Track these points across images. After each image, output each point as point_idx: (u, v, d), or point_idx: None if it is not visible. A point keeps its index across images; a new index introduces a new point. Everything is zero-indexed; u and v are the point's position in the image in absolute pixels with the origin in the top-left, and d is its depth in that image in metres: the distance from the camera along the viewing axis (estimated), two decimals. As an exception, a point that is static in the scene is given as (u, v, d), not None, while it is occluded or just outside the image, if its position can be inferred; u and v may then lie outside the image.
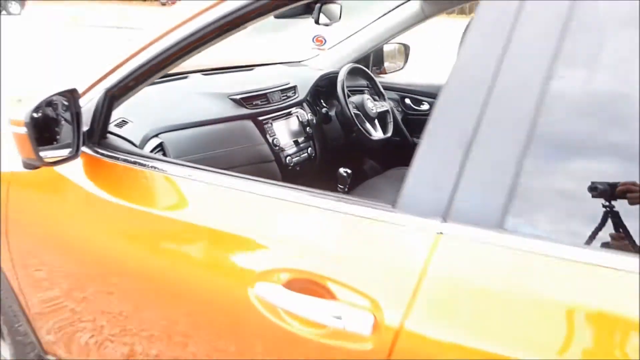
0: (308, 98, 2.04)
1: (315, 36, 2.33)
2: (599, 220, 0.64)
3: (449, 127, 0.73)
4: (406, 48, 2.44)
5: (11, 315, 1.44)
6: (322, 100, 2.09)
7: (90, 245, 1.11)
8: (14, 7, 20.79)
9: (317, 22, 1.62)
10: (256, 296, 0.82)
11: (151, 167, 1.05)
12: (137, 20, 14.73)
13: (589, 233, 0.65)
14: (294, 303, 0.79)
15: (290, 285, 0.80)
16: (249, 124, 1.74)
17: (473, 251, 0.69)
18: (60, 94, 1.02)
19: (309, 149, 1.99)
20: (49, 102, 1.00)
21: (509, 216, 0.68)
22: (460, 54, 0.74)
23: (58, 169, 1.13)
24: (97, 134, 1.12)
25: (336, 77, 1.97)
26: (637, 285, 0.59)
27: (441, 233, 0.71)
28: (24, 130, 0.95)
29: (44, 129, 1.00)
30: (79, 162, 1.11)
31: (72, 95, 1.04)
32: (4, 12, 20.46)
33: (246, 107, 1.75)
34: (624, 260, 0.61)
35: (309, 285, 0.78)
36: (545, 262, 0.65)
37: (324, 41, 2.29)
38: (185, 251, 0.98)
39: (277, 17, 1.64)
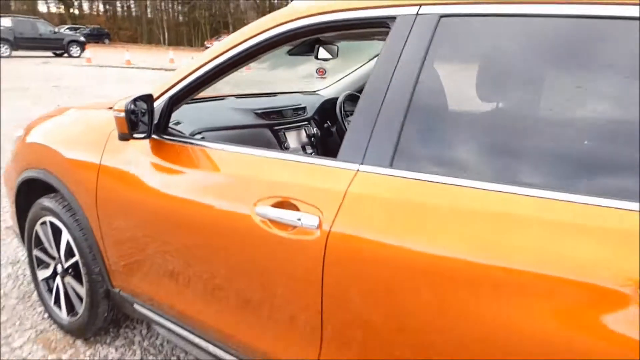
0: (315, 116, 2.63)
1: (318, 68, 2.95)
2: (440, 159, 1.17)
3: (365, 112, 1.28)
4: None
5: (90, 259, 2.03)
6: (325, 119, 2.67)
7: (152, 199, 1.68)
8: (74, 50, 22.73)
9: (316, 57, 2.20)
10: (256, 213, 1.37)
11: (195, 144, 1.63)
12: (181, 63, 16.11)
13: (435, 167, 1.18)
14: (276, 214, 1.33)
15: (275, 205, 1.34)
16: (267, 131, 2.33)
17: (374, 180, 1.23)
18: (142, 97, 1.63)
19: (313, 154, 2.56)
20: (135, 101, 1.61)
21: (395, 160, 1.21)
22: (374, 68, 1.30)
23: (133, 153, 1.73)
24: (162, 126, 1.72)
25: (336, 101, 2.56)
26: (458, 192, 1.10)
27: (358, 170, 1.25)
28: (122, 115, 1.55)
29: (133, 116, 1.60)
30: (147, 144, 1.71)
31: (148, 99, 1.65)
32: (65, 54, 22.41)
33: (265, 119, 2.35)
34: (456, 180, 1.11)
35: (285, 204, 1.33)
36: (415, 184, 1.16)
37: (324, 72, 2.89)
38: (215, 192, 1.53)
39: (290, 54, 2.25)
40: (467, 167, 1.18)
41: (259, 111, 2.36)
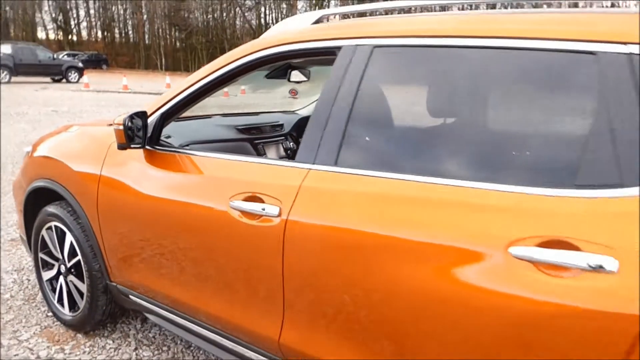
0: (292, 132, 2.95)
1: (290, 90, 3.29)
2: (371, 159, 1.48)
3: (316, 123, 1.59)
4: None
5: (91, 258, 2.31)
6: (301, 134, 2.98)
7: (145, 200, 1.98)
8: (72, 75, 23.20)
9: (288, 80, 2.53)
10: (230, 206, 1.67)
11: (182, 153, 1.94)
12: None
13: (367, 164, 1.49)
14: (246, 207, 1.63)
15: (245, 199, 1.64)
16: (247, 144, 2.64)
17: (323, 176, 1.53)
18: (137, 113, 1.94)
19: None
20: (132, 116, 1.91)
21: (339, 160, 1.52)
22: (323, 88, 1.61)
23: (129, 162, 2.04)
24: (155, 138, 2.03)
25: None
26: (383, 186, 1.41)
27: (310, 169, 1.55)
28: (121, 128, 1.86)
29: (129, 129, 1.90)
30: (141, 153, 2.01)
31: (143, 115, 1.96)
32: (64, 80, 22.86)
33: (246, 134, 2.66)
34: (382, 174, 1.42)
35: (253, 198, 1.62)
36: (353, 178, 1.47)
37: (296, 93, 3.23)
38: (197, 192, 1.83)
39: (268, 77, 2.58)
40: (390, 163, 1.49)
41: (241, 127, 2.68)
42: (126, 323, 2.66)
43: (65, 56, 30.01)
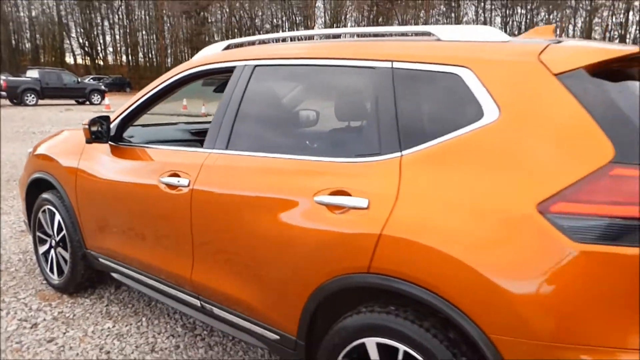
0: None
1: None
2: (248, 144, 2.12)
3: (216, 119, 2.23)
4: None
5: (72, 231, 2.97)
6: None
7: (108, 183, 2.64)
8: (95, 98, 24.35)
9: (214, 91, 3.18)
10: (159, 181, 2.31)
11: (136, 146, 2.61)
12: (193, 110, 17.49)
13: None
14: (169, 181, 2.27)
15: (169, 175, 2.29)
16: (198, 145, 3.30)
17: (218, 157, 2.16)
18: (101, 117, 2.62)
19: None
20: (96, 119, 2.59)
21: (229, 145, 2.15)
22: (224, 93, 2.25)
23: (96, 155, 2.71)
24: (118, 136, 2.70)
25: None
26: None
27: (210, 153, 2.19)
28: (87, 127, 2.54)
29: (94, 126, 2.58)
30: (107, 148, 2.69)
31: (106, 118, 2.64)
32: (87, 102, 24.08)
33: (197, 137, 3.32)
34: (252, 153, 2.05)
35: (174, 174, 2.27)
36: (237, 157, 2.10)
37: None
38: (141, 173, 2.48)
39: (215, 91, 3.25)
40: (258, 146, 2.11)
41: (193, 131, 3.34)
42: (102, 288, 3.31)
43: (91, 80, 31.50)
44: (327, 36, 2.18)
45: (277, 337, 1.96)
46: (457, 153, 1.54)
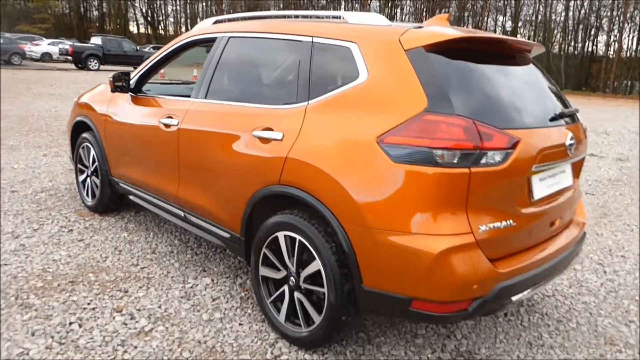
0: None
1: None
2: (219, 94, 2.86)
3: (200, 76, 2.97)
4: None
5: (102, 162, 3.84)
6: None
7: (127, 124, 3.46)
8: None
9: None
10: (159, 122, 3.10)
11: (149, 96, 3.40)
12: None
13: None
14: (165, 121, 3.05)
15: (165, 117, 3.06)
16: None
17: (198, 104, 2.91)
18: (123, 73, 3.42)
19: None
20: (120, 74, 3.40)
21: (207, 95, 2.90)
22: (208, 55, 2.99)
23: (120, 103, 3.53)
24: (137, 89, 3.51)
25: None
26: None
27: (194, 101, 2.95)
28: (111, 79, 3.36)
29: (118, 81, 3.39)
30: (128, 97, 3.50)
31: (127, 74, 3.45)
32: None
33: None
34: (218, 101, 2.79)
35: (169, 117, 3.04)
36: (210, 105, 2.84)
37: None
38: (149, 116, 3.28)
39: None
40: (223, 95, 2.82)
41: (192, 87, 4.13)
42: (125, 212, 4.20)
43: (151, 48, 33.16)
44: (278, 16, 2.85)
45: (228, 235, 2.72)
46: (340, 102, 2.21)
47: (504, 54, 2.40)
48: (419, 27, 2.21)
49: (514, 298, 2.09)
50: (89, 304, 2.69)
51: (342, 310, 2.17)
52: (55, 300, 2.70)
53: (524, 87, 2.36)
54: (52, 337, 2.37)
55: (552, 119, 2.30)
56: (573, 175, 2.54)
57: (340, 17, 2.50)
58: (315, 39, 2.41)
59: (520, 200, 2.11)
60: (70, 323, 2.49)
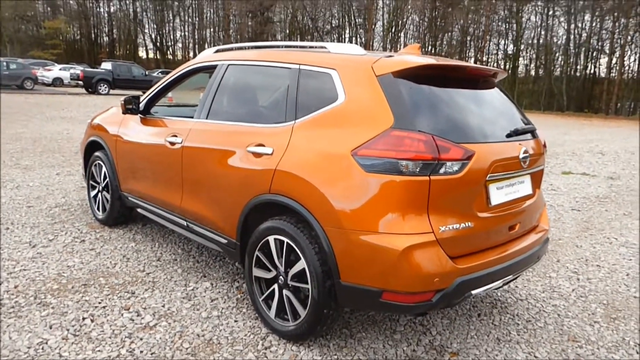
0: None
1: None
2: (218, 114, 3.20)
3: (202, 98, 3.33)
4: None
5: (113, 178, 4.18)
6: None
7: (136, 144, 3.81)
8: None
9: None
10: (165, 140, 3.44)
11: (157, 118, 3.76)
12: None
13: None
14: (170, 139, 3.39)
15: (171, 136, 3.41)
16: None
17: (200, 124, 3.26)
18: (134, 97, 3.79)
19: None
20: (131, 98, 3.77)
21: (209, 116, 3.24)
22: (209, 81, 3.34)
23: (130, 124, 3.89)
24: (145, 111, 3.87)
25: None
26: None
27: (196, 121, 3.29)
28: (123, 102, 3.72)
29: (129, 104, 3.76)
30: (138, 119, 3.86)
31: (137, 97, 3.81)
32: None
33: None
34: (217, 121, 3.13)
35: (174, 135, 3.39)
36: (209, 124, 3.18)
37: None
38: (156, 136, 3.62)
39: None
40: (223, 116, 3.16)
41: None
42: (132, 224, 4.52)
43: (159, 73, 34.00)
44: (271, 46, 3.21)
45: (226, 240, 3.03)
46: (321, 121, 2.54)
47: (467, 78, 2.73)
48: (390, 56, 2.55)
49: (474, 292, 2.37)
50: (100, 303, 2.99)
51: (324, 305, 2.45)
52: (69, 299, 3.00)
53: (484, 107, 2.68)
54: (68, 329, 2.67)
55: (509, 135, 2.61)
56: (533, 186, 2.84)
57: (324, 47, 2.85)
58: (301, 66, 2.76)
59: (478, 205, 2.41)
60: (84, 318, 2.79)
